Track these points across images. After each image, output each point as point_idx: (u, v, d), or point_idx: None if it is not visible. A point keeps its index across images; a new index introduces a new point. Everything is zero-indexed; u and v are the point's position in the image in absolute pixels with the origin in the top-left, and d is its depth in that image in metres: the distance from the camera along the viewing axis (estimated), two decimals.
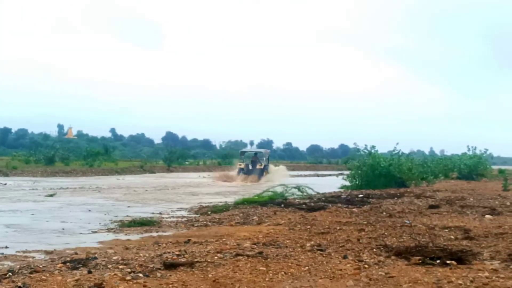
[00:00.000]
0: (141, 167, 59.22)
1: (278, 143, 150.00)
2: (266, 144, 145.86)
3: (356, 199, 20.04)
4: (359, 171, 28.92)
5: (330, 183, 35.72)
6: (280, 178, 41.04)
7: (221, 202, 20.64)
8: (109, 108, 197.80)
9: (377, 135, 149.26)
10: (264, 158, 49.95)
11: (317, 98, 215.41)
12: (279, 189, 21.21)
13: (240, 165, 47.43)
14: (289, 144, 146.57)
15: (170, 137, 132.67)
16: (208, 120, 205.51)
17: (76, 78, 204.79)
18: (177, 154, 72.77)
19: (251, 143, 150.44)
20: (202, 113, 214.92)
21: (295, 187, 21.85)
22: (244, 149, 57.38)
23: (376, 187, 26.15)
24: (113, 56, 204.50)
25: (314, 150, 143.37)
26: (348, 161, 45.90)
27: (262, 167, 47.04)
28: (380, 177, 27.53)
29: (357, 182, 28.78)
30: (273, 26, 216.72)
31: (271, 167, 51.75)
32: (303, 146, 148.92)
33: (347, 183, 29.74)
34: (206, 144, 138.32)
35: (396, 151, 30.04)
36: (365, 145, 30.65)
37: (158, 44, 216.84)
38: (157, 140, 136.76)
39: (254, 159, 48.41)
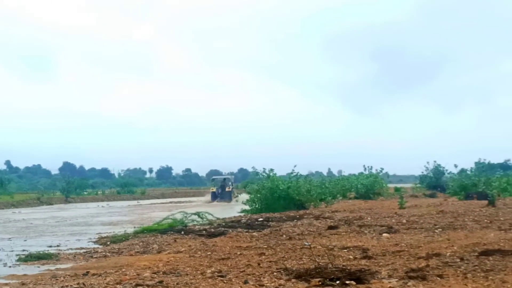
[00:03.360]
0: (38, 199, 57.78)
1: (177, 170, 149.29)
2: (165, 170, 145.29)
3: (256, 223, 20.12)
4: (259, 195, 29.02)
5: (229, 208, 35.78)
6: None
7: (120, 232, 20.23)
8: (2, 140, 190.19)
9: (275, 158, 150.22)
10: (230, 183, 56.53)
11: (213, 122, 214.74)
12: (178, 216, 21.03)
13: (212, 189, 54.69)
14: (188, 170, 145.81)
15: (67, 167, 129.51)
16: (106, 149, 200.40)
17: None
18: (75, 184, 71.16)
19: (150, 170, 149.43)
20: (99, 142, 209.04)
21: (194, 214, 21.73)
22: (214, 176, 63.22)
23: (276, 210, 26.36)
24: (2, 84, 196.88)
25: (214, 175, 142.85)
26: (248, 185, 46.24)
27: (230, 189, 54.42)
28: (279, 200, 27.72)
29: (256, 206, 28.87)
30: (162, 50, 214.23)
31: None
32: (202, 172, 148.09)
33: (247, 207, 29.80)
34: (104, 173, 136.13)
35: (294, 174, 30.35)
36: (264, 168, 30.80)
37: (51, 71, 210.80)
38: (54, 170, 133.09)
39: (223, 184, 55.95)
